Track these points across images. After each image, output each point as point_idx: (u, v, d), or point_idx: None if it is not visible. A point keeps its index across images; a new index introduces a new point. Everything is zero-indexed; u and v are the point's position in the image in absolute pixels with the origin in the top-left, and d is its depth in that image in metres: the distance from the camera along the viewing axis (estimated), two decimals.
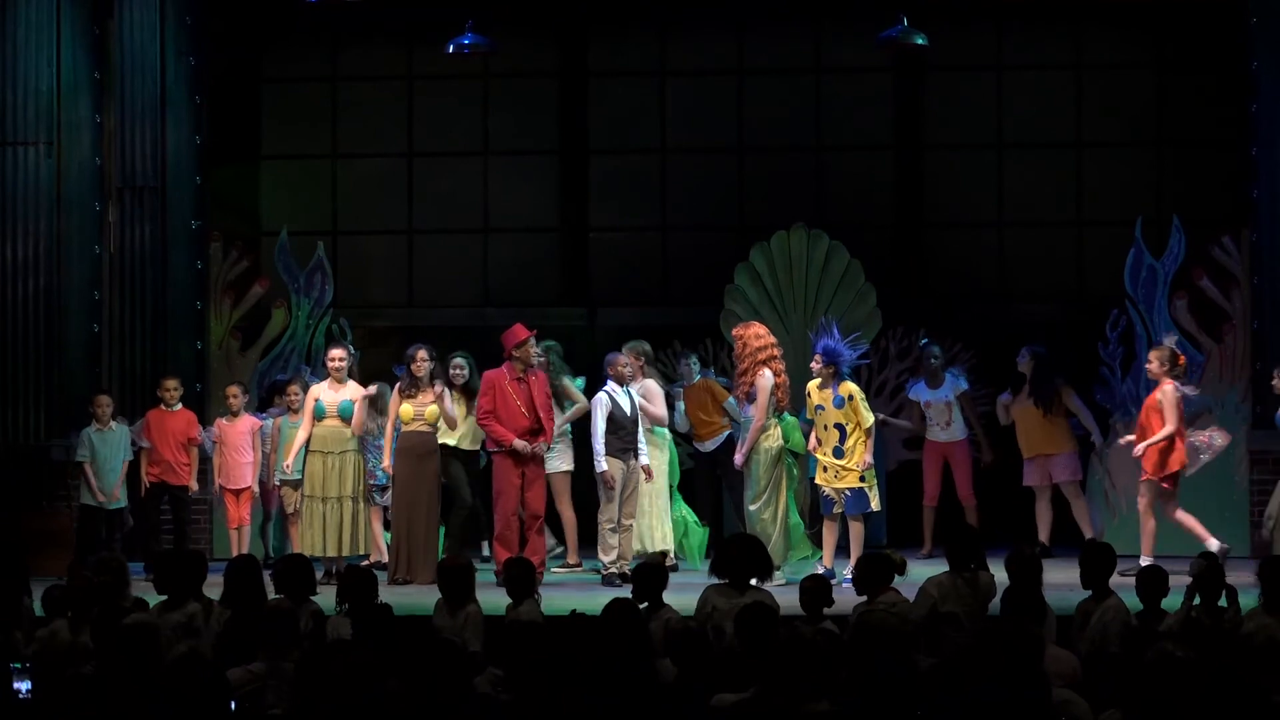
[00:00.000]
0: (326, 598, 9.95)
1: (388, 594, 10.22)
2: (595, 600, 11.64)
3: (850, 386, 13.51)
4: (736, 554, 10.06)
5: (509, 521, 13.67)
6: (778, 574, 12.54)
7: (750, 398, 13.59)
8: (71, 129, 15.72)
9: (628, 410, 14.04)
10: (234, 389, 15.29)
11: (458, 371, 14.39)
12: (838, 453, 13.42)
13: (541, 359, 14.40)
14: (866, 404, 13.58)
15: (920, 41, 15.39)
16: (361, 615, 8.74)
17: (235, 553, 14.05)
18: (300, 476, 14.36)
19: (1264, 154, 15.54)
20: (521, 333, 13.76)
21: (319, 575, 11.22)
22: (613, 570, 13.77)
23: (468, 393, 14.26)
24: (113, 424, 14.84)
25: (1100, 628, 9.33)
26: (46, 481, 15.10)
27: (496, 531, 13.74)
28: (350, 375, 14.28)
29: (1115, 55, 17.22)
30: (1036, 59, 17.38)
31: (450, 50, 15.93)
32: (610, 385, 14.11)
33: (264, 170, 17.71)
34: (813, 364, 13.63)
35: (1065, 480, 15.07)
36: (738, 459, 13.63)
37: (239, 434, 15.06)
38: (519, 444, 13.58)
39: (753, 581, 9.94)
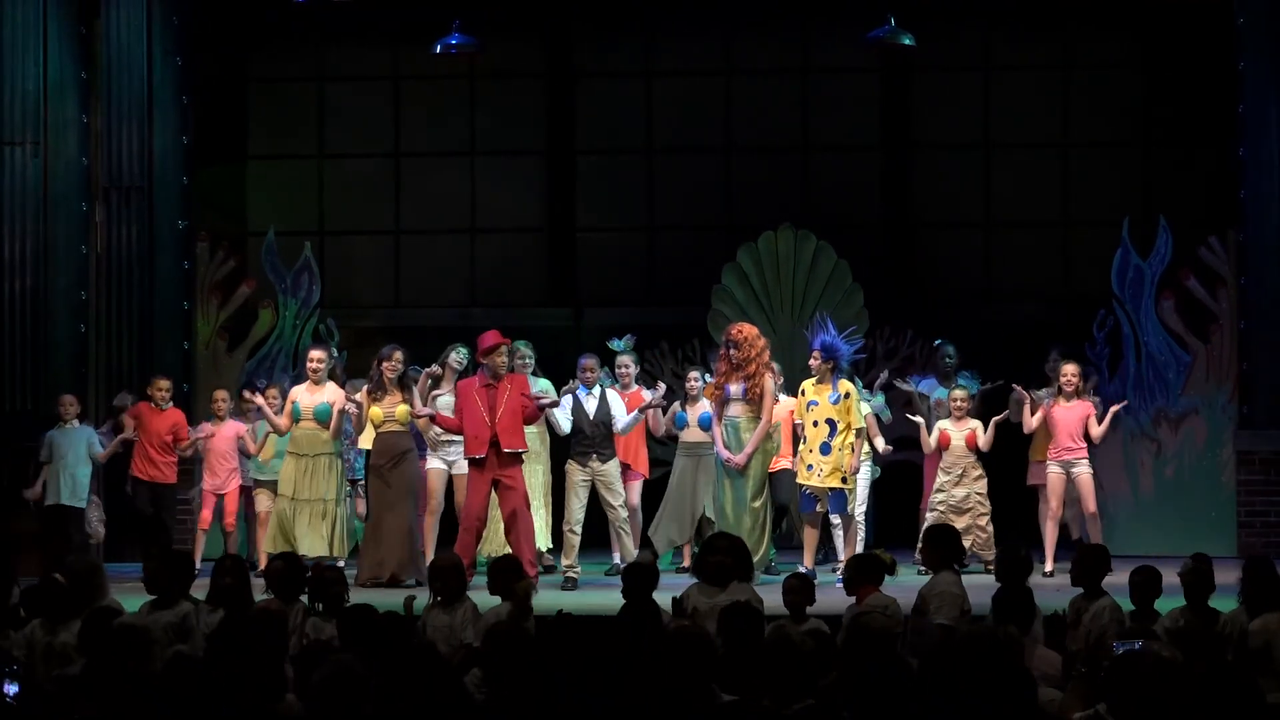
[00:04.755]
0: None
1: (360, 594, 10.20)
2: (585, 600, 11.65)
3: (847, 385, 13.53)
4: (721, 554, 10.04)
5: (469, 525, 13.46)
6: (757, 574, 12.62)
7: (759, 398, 13.50)
8: (58, 129, 15.70)
9: (590, 414, 13.96)
10: (221, 393, 15.19)
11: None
12: (824, 449, 13.40)
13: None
14: (860, 405, 13.60)
15: (907, 42, 15.40)
16: (344, 617, 8.70)
17: (221, 554, 13.98)
18: (275, 477, 14.36)
19: (1251, 154, 15.58)
20: (490, 339, 13.43)
21: None
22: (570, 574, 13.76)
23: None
24: (75, 423, 14.77)
25: (1095, 627, 9.37)
26: (34, 481, 15.04)
27: (458, 535, 13.60)
28: (332, 377, 14.23)
29: (1102, 55, 17.24)
30: (1023, 59, 17.40)
31: (437, 51, 15.92)
32: (582, 389, 14.03)
33: (251, 170, 17.70)
34: (811, 360, 13.60)
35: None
36: (739, 459, 13.49)
37: (225, 438, 15.01)
38: (424, 412, 13.64)
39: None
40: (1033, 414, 14.21)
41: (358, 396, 14.02)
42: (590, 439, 13.90)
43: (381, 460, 13.93)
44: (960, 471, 14.19)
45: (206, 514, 15.00)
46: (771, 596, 10.08)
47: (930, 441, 14.40)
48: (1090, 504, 14.03)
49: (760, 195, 17.30)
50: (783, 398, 14.06)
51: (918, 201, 17.47)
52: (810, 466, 13.47)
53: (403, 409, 13.84)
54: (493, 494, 13.36)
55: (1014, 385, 14.44)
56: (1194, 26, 16.51)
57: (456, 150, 17.80)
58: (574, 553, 13.78)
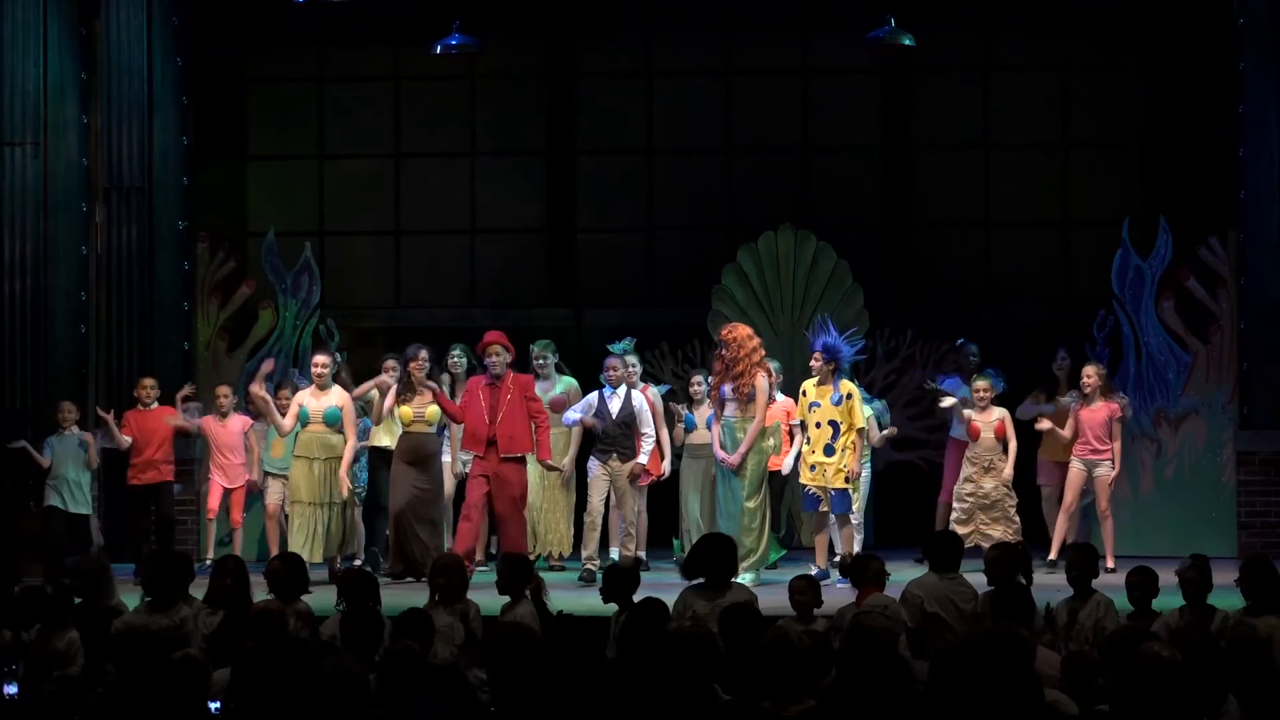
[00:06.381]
0: (318, 599, 9.94)
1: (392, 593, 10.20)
2: (586, 600, 11.64)
3: (849, 385, 13.55)
4: (709, 555, 10.02)
5: (466, 513, 13.60)
6: (750, 575, 12.69)
7: (749, 398, 13.50)
8: (58, 130, 15.69)
9: (614, 413, 14.05)
10: (224, 389, 15.22)
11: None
12: (828, 450, 13.44)
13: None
14: (862, 405, 13.62)
15: (907, 42, 15.37)
16: (351, 618, 8.71)
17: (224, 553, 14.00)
18: (285, 473, 14.38)
19: (1251, 155, 15.56)
20: (484, 339, 13.82)
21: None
22: (589, 567, 13.86)
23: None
24: (74, 429, 14.73)
25: (1094, 623, 9.39)
26: (33, 483, 15.03)
27: (457, 525, 13.90)
28: (336, 380, 14.23)
29: (1102, 56, 17.24)
30: (1023, 60, 17.40)
31: (437, 51, 15.88)
32: (607, 388, 14.21)
33: (251, 171, 17.70)
34: (812, 362, 13.62)
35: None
36: (733, 460, 13.47)
37: (231, 434, 15.02)
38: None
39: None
40: (1062, 423, 14.59)
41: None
42: (611, 438, 14.00)
43: (408, 460, 13.98)
44: (987, 464, 14.29)
45: (214, 504, 15.02)
46: (775, 597, 10.09)
47: (961, 430, 14.64)
48: (1103, 502, 14.37)
49: (760, 195, 17.30)
50: (780, 397, 14.08)
51: (918, 201, 17.47)
52: (814, 467, 13.51)
53: (432, 409, 13.95)
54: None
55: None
56: (1194, 26, 16.52)
57: (456, 150, 17.80)
58: (594, 546, 13.92)
